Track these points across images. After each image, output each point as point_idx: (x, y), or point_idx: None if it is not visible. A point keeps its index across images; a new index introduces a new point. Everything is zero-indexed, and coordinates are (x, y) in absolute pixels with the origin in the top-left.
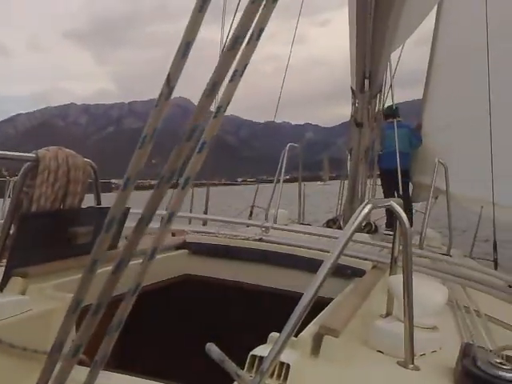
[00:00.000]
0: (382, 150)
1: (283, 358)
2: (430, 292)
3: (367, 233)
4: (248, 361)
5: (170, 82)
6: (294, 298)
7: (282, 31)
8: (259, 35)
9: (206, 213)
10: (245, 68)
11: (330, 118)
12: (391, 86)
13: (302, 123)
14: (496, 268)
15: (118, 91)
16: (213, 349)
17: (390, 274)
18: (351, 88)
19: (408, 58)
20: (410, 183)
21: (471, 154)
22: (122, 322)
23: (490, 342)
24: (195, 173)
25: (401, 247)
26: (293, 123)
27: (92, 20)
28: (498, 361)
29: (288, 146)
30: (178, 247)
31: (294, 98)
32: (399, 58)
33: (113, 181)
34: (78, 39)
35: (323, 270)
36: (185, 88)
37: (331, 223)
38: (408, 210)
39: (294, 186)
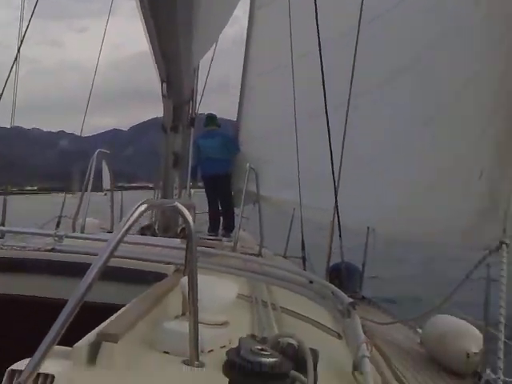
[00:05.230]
0: (202, 158)
1: (49, 369)
2: (217, 289)
3: (182, 238)
4: (6, 377)
5: None
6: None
7: (34, 34)
8: None
9: (2, 224)
10: None
11: (86, 128)
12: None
13: (56, 130)
14: (304, 264)
15: None
16: None
17: (183, 276)
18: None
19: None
20: None
21: (283, 161)
22: None
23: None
24: None
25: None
26: (45, 130)
27: None
28: (260, 347)
29: (97, 151)
30: None
31: (47, 103)
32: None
33: None
34: None
35: (90, 274)
36: None
37: (145, 229)
38: (230, 215)
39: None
